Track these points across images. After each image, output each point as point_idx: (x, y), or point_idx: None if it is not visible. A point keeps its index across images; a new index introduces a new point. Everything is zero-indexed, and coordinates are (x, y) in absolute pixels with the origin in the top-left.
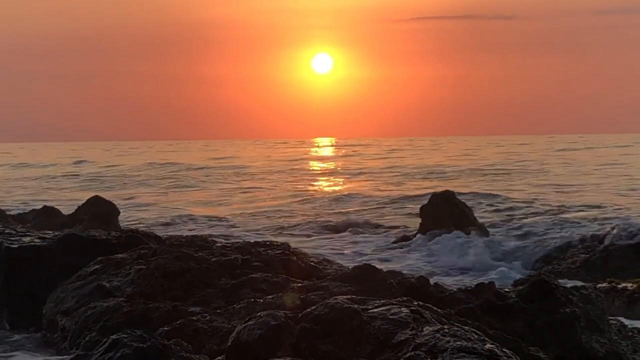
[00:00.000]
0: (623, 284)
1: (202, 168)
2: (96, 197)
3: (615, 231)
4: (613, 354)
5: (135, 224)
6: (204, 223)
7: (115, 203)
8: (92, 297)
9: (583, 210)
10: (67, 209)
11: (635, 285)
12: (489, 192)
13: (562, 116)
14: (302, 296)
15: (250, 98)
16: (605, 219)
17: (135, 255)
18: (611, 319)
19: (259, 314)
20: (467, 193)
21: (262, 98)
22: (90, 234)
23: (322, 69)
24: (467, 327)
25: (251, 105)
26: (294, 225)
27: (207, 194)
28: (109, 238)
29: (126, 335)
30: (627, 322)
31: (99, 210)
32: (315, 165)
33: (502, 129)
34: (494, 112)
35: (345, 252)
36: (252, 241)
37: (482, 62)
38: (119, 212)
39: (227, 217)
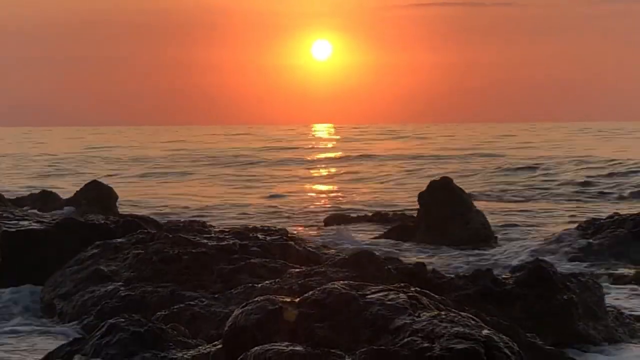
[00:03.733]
0: (620, 271)
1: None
2: (94, 181)
3: (614, 218)
4: (610, 341)
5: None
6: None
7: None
8: (90, 281)
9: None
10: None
11: (633, 272)
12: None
13: (565, 102)
14: (299, 281)
15: (249, 84)
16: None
17: (133, 239)
18: (608, 306)
19: (256, 298)
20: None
21: (261, 84)
22: (88, 219)
23: (322, 55)
24: (464, 313)
25: (251, 91)
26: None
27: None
28: (107, 222)
29: (123, 320)
30: (624, 308)
31: (98, 195)
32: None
33: (503, 116)
34: (496, 98)
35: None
36: (250, 226)
37: (482, 48)
38: (117, 197)
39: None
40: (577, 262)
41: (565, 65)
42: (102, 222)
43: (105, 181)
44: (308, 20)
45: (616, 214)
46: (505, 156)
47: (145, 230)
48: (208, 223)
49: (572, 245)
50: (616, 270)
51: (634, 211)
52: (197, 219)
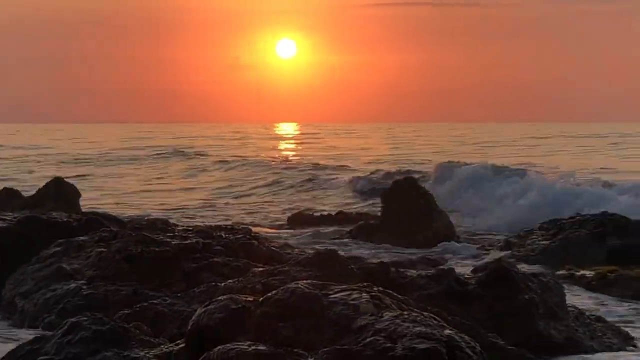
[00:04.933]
0: (581, 271)
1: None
2: (57, 178)
3: (575, 218)
4: (570, 341)
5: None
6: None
7: None
8: (52, 279)
9: None
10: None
11: (593, 273)
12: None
13: (527, 104)
14: (263, 280)
15: (214, 82)
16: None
17: (96, 237)
18: (569, 306)
19: (219, 297)
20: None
21: (226, 82)
22: (50, 216)
23: (286, 53)
24: (426, 313)
25: (215, 89)
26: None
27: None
28: (69, 220)
29: (85, 318)
30: (584, 309)
31: (60, 193)
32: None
33: (468, 116)
34: (460, 98)
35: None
36: (213, 225)
37: (446, 48)
38: (80, 195)
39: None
40: (538, 262)
41: (530, 66)
42: (65, 220)
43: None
44: (272, 18)
45: (578, 214)
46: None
47: (108, 229)
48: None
49: (534, 245)
50: (577, 270)
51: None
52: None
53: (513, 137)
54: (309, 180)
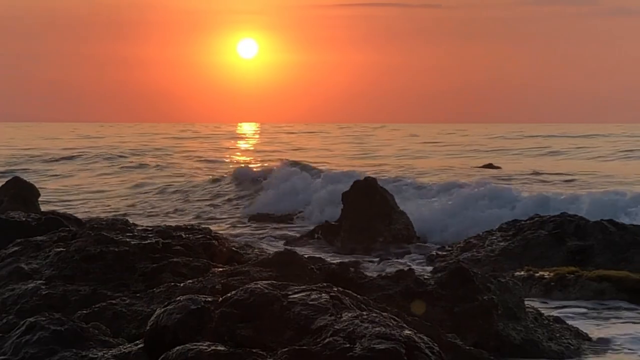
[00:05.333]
0: (540, 272)
1: None
2: (16, 178)
3: (534, 220)
4: (529, 342)
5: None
6: None
7: None
8: (10, 279)
9: None
10: None
11: (552, 274)
12: None
13: (491, 105)
14: (222, 281)
15: (175, 81)
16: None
17: (55, 237)
18: (528, 307)
19: (178, 298)
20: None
21: (187, 81)
22: (9, 216)
23: (248, 53)
24: (385, 314)
25: (176, 88)
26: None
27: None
28: (28, 220)
29: (44, 318)
30: (543, 310)
31: (19, 192)
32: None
33: (429, 117)
34: (422, 99)
35: (268, 238)
36: (173, 225)
37: (409, 50)
38: (39, 194)
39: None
40: (497, 263)
41: (495, 67)
42: (24, 219)
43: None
44: (234, 18)
45: (537, 215)
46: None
47: (67, 228)
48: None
49: (493, 246)
50: (536, 271)
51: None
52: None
53: (468, 138)
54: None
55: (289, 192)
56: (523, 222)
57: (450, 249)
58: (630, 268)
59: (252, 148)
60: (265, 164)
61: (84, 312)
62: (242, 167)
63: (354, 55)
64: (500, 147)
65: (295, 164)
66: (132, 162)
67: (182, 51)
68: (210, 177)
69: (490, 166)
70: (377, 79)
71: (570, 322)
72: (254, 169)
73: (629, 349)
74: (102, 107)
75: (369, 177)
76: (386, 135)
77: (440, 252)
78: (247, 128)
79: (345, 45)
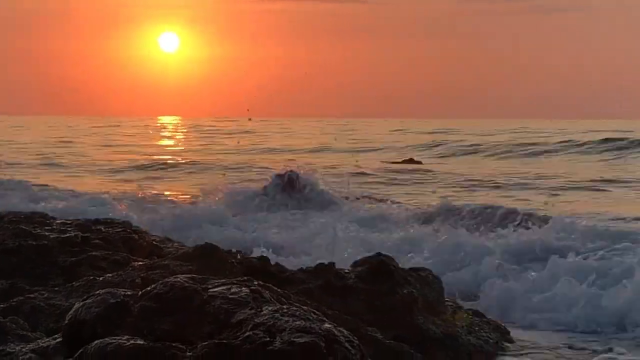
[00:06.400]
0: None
1: None
2: None
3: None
4: (448, 336)
5: None
6: None
7: None
8: None
9: None
10: None
11: None
12: None
13: (412, 101)
14: (142, 274)
15: (95, 75)
16: None
17: None
18: (447, 301)
19: (97, 292)
20: None
21: (107, 75)
22: None
23: (169, 47)
24: (306, 307)
25: (96, 82)
26: None
27: None
28: None
29: None
30: (462, 303)
31: None
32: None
33: (356, 112)
34: (346, 94)
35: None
36: (92, 219)
37: (334, 45)
38: None
39: None
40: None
41: (421, 64)
42: None
43: None
44: (155, 11)
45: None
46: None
47: None
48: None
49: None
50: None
51: None
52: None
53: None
54: None
55: None
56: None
57: None
58: None
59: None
60: None
61: (1, 306)
62: None
63: (278, 51)
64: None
65: None
66: None
67: (102, 44)
68: None
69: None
70: (301, 74)
71: (489, 316)
72: None
73: (548, 342)
74: (21, 100)
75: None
76: (300, 129)
77: None
78: (148, 122)
79: (268, 40)
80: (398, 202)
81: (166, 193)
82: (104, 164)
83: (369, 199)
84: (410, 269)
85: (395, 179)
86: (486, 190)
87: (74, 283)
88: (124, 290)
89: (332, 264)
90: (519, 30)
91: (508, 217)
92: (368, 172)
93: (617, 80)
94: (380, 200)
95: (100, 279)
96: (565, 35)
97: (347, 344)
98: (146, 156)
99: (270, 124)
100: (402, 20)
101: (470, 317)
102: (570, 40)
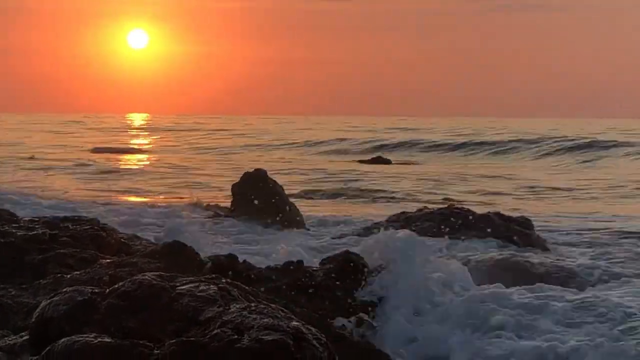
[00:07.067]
0: None
1: None
2: None
3: (423, 211)
4: None
5: None
6: None
7: None
8: None
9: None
10: None
11: None
12: None
13: (386, 99)
14: (110, 272)
15: (63, 71)
16: None
17: None
18: None
19: (65, 289)
20: None
21: (75, 71)
22: None
23: (138, 44)
24: (274, 305)
25: (65, 78)
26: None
27: None
28: None
29: None
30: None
31: None
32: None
33: (329, 110)
34: (311, 93)
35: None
36: (61, 216)
37: (309, 43)
38: None
39: None
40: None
41: (400, 62)
42: None
43: None
44: (123, 8)
45: (425, 207)
46: None
47: None
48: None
49: None
50: None
51: None
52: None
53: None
54: None
55: None
56: (411, 214)
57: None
58: None
59: None
60: None
61: None
62: None
63: (250, 48)
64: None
65: None
66: None
67: (70, 41)
68: None
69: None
70: (270, 72)
71: None
72: None
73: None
74: None
75: (259, 168)
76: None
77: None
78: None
79: (240, 38)
80: None
81: None
82: None
83: None
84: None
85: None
86: None
87: (41, 281)
88: (91, 287)
89: (300, 262)
90: (491, 29)
91: None
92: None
93: (587, 80)
94: None
95: (68, 276)
96: (532, 34)
97: (315, 342)
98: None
99: (234, 122)
100: (373, 17)
101: None
102: (538, 39)
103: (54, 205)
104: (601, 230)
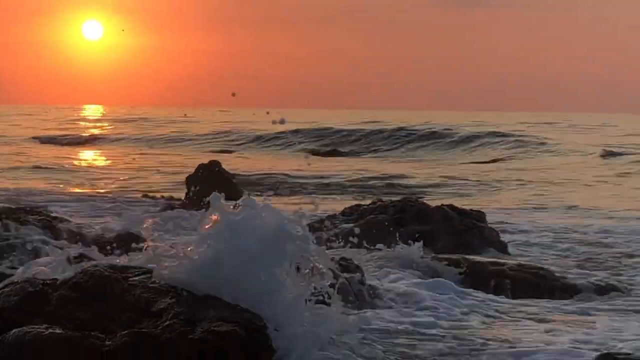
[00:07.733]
0: (382, 253)
1: None
2: None
3: (377, 204)
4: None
5: None
6: None
7: None
8: None
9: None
10: None
11: (392, 255)
12: None
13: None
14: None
15: (15, 62)
16: None
17: None
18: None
19: (16, 280)
20: None
21: (28, 63)
22: None
23: (93, 35)
24: None
25: (16, 69)
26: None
27: None
28: None
29: None
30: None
31: None
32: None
33: (285, 103)
34: (256, 84)
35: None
36: (14, 207)
37: (258, 35)
38: None
39: None
40: (340, 246)
41: (333, 55)
42: None
43: None
44: None
45: (379, 200)
46: None
47: None
48: None
49: (336, 230)
50: (379, 252)
51: None
52: None
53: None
54: None
55: None
56: (366, 206)
57: None
58: (469, 252)
59: None
60: None
61: None
62: None
63: (200, 40)
64: None
65: None
66: None
67: (23, 31)
68: None
69: None
70: (225, 63)
71: None
72: None
73: None
74: None
75: (214, 160)
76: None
77: None
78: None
79: (193, 30)
80: None
81: None
82: None
83: None
84: (341, 258)
85: None
86: None
87: None
88: (42, 279)
89: None
90: (446, 23)
91: None
92: None
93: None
94: None
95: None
96: (490, 30)
97: (267, 332)
98: None
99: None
100: (319, 10)
101: None
102: (492, 34)
103: None
104: None
